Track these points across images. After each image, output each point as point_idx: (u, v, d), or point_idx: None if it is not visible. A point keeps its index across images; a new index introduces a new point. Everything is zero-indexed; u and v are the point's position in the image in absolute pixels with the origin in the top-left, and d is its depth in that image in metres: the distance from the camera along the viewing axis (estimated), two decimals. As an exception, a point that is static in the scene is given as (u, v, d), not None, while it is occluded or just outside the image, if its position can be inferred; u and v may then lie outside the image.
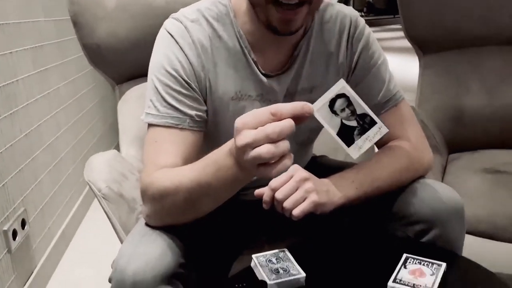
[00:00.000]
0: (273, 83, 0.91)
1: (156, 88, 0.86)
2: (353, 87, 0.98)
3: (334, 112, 0.62)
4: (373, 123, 0.62)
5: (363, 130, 0.62)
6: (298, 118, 0.63)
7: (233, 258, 0.98)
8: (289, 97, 0.94)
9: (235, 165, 0.68)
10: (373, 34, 0.97)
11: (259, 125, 0.62)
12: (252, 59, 0.89)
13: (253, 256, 0.85)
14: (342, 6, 0.96)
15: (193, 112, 0.86)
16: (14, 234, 1.50)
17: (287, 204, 0.79)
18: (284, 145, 0.62)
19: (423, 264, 0.80)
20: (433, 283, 0.76)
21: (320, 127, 1.04)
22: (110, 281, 0.78)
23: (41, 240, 1.73)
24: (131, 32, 1.32)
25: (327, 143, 1.27)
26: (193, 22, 0.88)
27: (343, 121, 0.62)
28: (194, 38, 0.87)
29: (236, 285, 0.81)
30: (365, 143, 0.62)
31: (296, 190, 0.80)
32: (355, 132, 0.62)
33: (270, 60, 0.90)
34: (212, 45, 0.88)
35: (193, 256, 0.83)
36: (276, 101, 0.92)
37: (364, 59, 0.95)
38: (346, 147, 0.63)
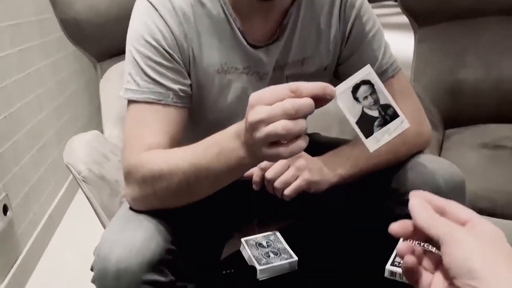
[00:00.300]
0: (261, 54, 0.84)
1: (135, 61, 0.79)
2: (347, 57, 0.93)
3: (356, 98, 0.57)
4: (395, 115, 0.58)
5: (384, 122, 0.58)
6: (317, 100, 0.57)
7: (224, 241, 0.93)
8: (278, 69, 0.87)
9: (241, 147, 0.63)
10: (367, 2, 0.91)
11: (276, 101, 0.56)
12: (238, 28, 0.82)
13: (242, 239, 0.80)
14: None
15: (176, 86, 0.79)
16: (-4, 220, 1.45)
17: (278, 183, 0.75)
18: (302, 123, 0.56)
19: (423, 245, 0.75)
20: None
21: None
22: (92, 269, 0.73)
23: (26, 226, 1.68)
24: (111, 5, 1.25)
25: (319, 119, 1.22)
26: None
27: (364, 109, 0.57)
28: (175, 5, 0.80)
29: (224, 272, 0.76)
30: (384, 136, 0.58)
31: (287, 168, 0.76)
32: (376, 123, 0.58)
33: (257, 29, 0.84)
34: (194, 13, 0.81)
35: (181, 241, 0.78)
36: (265, 74, 0.86)
37: (358, 27, 0.89)
38: (364, 138, 0.58)
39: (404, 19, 1.66)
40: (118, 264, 0.67)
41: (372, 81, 0.57)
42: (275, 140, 0.57)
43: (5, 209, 1.52)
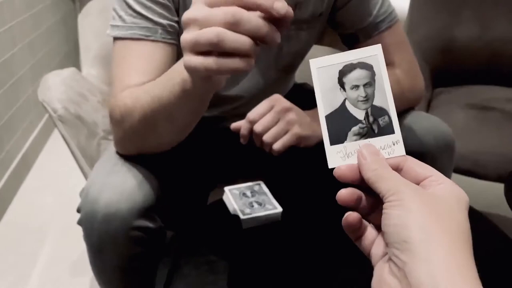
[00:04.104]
0: None
1: None
2: (344, 4, 0.88)
3: (341, 84, 0.40)
4: (388, 129, 0.39)
5: (368, 132, 0.39)
6: (274, 22, 0.44)
7: (209, 190, 0.90)
8: None
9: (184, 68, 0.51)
10: None
11: (216, 3, 0.44)
12: None
13: (226, 188, 0.78)
14: None
15: (165, 22, 0.73)
16: (-35, 157, 1.39)
17: (267, 137, 0.71)
18: (244, 40, 0.43)
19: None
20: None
21: (305, 51, 0.93)
22: (78, 211, 0.70)
23: (-2, 165, 1.62)
24: None
25: (308, 70, 1.17)
26: None
27: (347, 103, 0.40)
28: None
29: (206, 220, 0.73)
30: (356, 153, 0.39)
31: (277, 122, 0.72)
32: (354, 128, 0.39)
33: None
34: None
35: (168, 188, 0.75)
36: None
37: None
38: (328, 143, 0.40)
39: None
40: (108, 208, 0.65)
41: (375, 68, 0.39)
42: (206, 50, 0.44)
43: (-24, 146, 1.45)
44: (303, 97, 0.93)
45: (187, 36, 0.45)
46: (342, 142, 0.39)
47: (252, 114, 0.72)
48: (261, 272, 0.66)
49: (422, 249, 0.31)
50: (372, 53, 0.40)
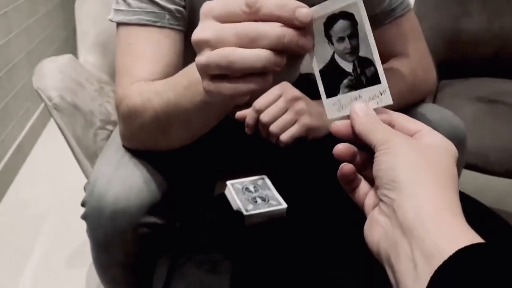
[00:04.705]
0: None
1: None
2: None
3: (328, 36, 0.39)
4: (375, 80, 0.39)
5: (357, 84, 0.40)
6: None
7: (214, 184, 0.87)
8: None
9: None
10: None
11: (227, 16, 0.39)
12: None
13: (228, 182, 0.74)
14: None
15: (172, 6, 0.70)
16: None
17: (274, 127, 0.68)
18: (259, 54, 0.37)
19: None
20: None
21: None
22: (83, 205, 0.67)
23: (-7, 154, 1.58)
24: None
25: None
26: None
27: (335, 56, 0.40)
28: None
29: (208, 216, 0.70)
30: (350, 104, 0.40)
31: (285, 111, 0.68)
32: (345, 81, 0.40)
33: None
34: None
35: (174, 182, 0.73)
36: None
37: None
38: (325, 97, 0.41)
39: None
40: (116, 204, 0.63)
41: (357, 17, 0.38)
42: (219, 73, 0.39)
43: (-30, 135, 1.42)
44: (309, 87, 0.89)
45: (199, 60, 0.40)
46: (336, 95, 0.41)
47: (258, 102, 0.68)
48: (264, 271, 0.63)
49: (409, 186, 0.33)
50: (352, 1, 0.38)
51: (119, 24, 0.71)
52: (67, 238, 1.36)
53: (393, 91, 0.80)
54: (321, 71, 0.41)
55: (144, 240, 0.66)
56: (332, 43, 0.39)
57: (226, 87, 0.39)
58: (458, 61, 1.52)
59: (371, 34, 0.38)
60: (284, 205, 0.71)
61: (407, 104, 0.80)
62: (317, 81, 0.41)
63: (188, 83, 0.56)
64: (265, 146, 0.74)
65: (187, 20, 0.75)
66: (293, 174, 0.83)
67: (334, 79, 0.41)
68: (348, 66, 0.40)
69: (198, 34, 0.39)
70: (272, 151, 0.77)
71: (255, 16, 0.37)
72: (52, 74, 0.97)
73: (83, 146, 0.92)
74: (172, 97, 0.59)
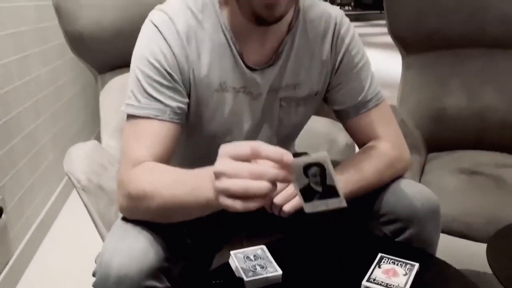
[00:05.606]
0: (256, 76, 0.91)
1: (138, 79, 0.86)
2: (336, 85, 1.00)
3: (306, 174, 0.63)
4: (336, 195, 0.65)
5: (325, 196, 0.65)
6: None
7: (214, 252, 0.98)
8: (273, 92, 0.94)
9: (212, 190, 0.66)
10: (358, 35, 0.98)
11: (237, 156, 0.62)
12: (237, 51, 0.89)
13: (231, 252, 0.86)
14: (327, 5, 0.97)
15: (174, 104, 0.86)
16: (-9, 222, 1.48)
17: (278, 199, 0.79)
18: (263, 186, 0.60)
19: (397, 264, 0.82)
20: (406, 283, 0.77)
21: (303, 123, 1.05)
22: (94, 275, 0.78)
23: (19, 230, 1.71)
24: (115, 21, 1.30)
25: (307, 139, 1.28)
26: (178, 13, 0.87)
27: (311, 183, 0.64)
28: (179, 29, 0.86)
29: (214, 282, 0.81)
30: (321, 206, 0.65)
31: (287, 185, 0.79)
32: (317, 195, 0.65)
33: (255, 54, 0.90)
34: (197, 37, 0.88)
35: (175, 249, 0.84)
36: (259, 94, 0.93)
37: (347, 59, 0.96)
38: (303, 201, 0.65)
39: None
40: (119, 271, 0.72)
41: (326, 166, 0.63)
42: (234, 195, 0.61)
43: (0, 212, 1.55)
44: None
45: (219, 185, 0.62)
46: (311, 202, 0.66)
47: None
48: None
49: None
50: (322, 158, 0.63)
51: (128, 115, 0.87)
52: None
53: (372, 168, 0.95)
54: (301, 190, 0.65)
55: None
56: (308, 177, 0.64)
57: (240, 204, 0.61)
58: (444, 136, 1.66)
59: (334, 172, 0.63)
60: (279, 271, 0.82)
61: (385, 180, 0.92)
62: (298, 193, 0.65)
63: (197, 186, 0.70)
64: (265, 216, 0.85)
65: (194, 109, 0.90)
66: (290, 243, 0.94)
67: (309, 194, 0.65)
68: (319, 189, 0.65)
69: (218, 167, 0.62)
70: (272, 221, 0.88)
71: (255, 157, 0.62)
72: (80, 159, 1.12)
73: (106, 222, 1.04)
74: (178, 194, 0.73)
